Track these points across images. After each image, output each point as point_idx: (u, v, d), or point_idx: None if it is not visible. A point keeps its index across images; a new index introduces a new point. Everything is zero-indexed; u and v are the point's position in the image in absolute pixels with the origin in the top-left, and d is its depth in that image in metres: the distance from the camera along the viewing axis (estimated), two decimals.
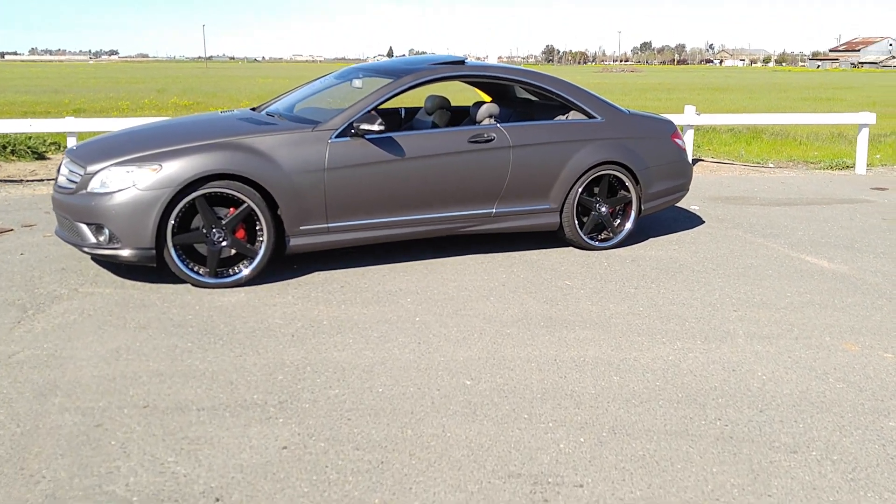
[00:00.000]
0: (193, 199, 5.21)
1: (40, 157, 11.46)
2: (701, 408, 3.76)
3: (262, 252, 5.42)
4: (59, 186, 5.55)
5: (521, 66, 7.85)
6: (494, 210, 6.17)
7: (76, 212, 5.27)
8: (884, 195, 9.73)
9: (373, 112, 5.73)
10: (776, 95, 35.85)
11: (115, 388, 3.84)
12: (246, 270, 5.41)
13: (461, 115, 7.22)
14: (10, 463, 3.16)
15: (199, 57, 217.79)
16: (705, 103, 26.72)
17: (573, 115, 6.64)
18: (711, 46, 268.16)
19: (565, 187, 6.33)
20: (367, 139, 5.67)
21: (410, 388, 3.90)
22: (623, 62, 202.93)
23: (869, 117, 12.09)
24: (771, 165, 12.95)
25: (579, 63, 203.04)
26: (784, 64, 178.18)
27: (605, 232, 6.67)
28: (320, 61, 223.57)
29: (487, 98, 8.59)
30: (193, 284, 5.36)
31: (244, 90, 35.63)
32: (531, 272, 5.94)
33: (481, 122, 6.42)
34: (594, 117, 6.57)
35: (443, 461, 3.23)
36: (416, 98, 7.48)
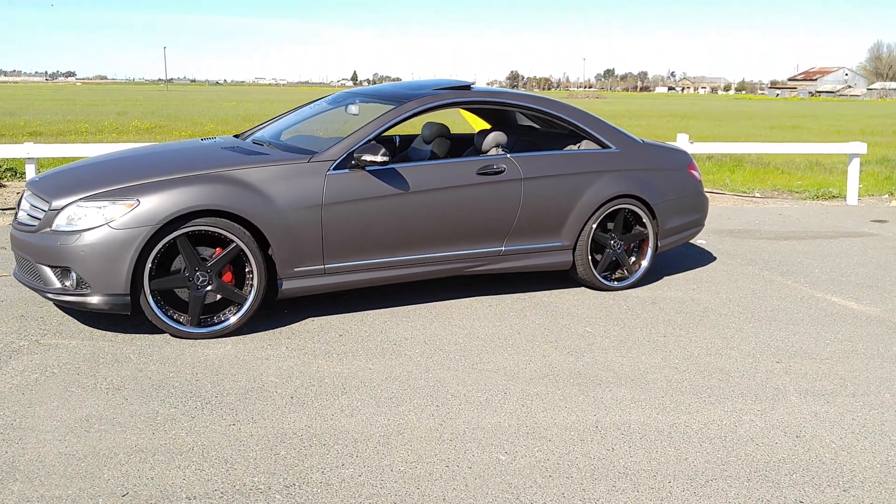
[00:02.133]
0: (174, 239, 4.61)
1: None
2: (776, 487, 3.24)
3: (251, 297, 4.82)
4: (19, 223, 4.90)
5: (530, 92, 7.35)
6: (503, 248, 5.64)
7: (38, 252, 4.63)
8: (887, 227, 9.40)
9: (375, 142, 5.19)
10: (743, 123, 36.03)
11: (87, 471, 3.21)
12: (233, 318, 4.80)
13: (460, 144, 6.70)
14: None
15: (160, 79, 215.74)
16: (674, 131, 26.59)
17: (585, 145, 6.16)
18: (673, 74, 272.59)
19: (579, 223, 5.82)
20: (368, 171, 5.12)
21: (437, 466, 3.33)
22: (587, 88, 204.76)
23: (860, 147, 11.86)
24: (758, 195, 12.64)
25: (544, 89, 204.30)
26: (744, 92, 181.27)
27: (619, 271, 6.17)
28: (283, 84, 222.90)
29: (478, 125, 8.10)
30: (173, 335, 4.74)
31: (207, 113, 34.90)
32: (546, 317, 5.41)
33: (487, 151, 5.91)
34: (608, 147, 6.09)
35: None
36: (411, 125, 6.95)
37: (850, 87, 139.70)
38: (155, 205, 4.54)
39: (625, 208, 6.02)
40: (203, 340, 4.73)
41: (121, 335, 4.77)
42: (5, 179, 11.09)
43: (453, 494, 3.11)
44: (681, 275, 6.70)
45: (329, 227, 4.98)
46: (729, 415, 3.93)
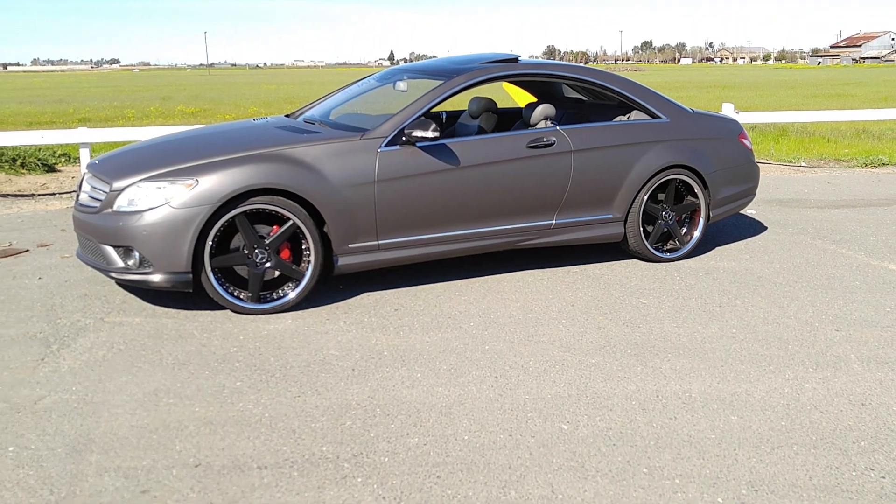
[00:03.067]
0: (233, 217, 4.69)
1: (51, 169, 10.93)
2: (844, 454, 3.22)
3: (308, 273, 4.89)
4: (81, 204, 5.02)
5: (578, 64, 7.30)
6: (554, 221, 5.64)
7: (101, 233, 4.74)
8: None
9: (425, 117, 5.20)
10: (784, 93, 35.31)
11: (159, 442, 3.31)
12: (292, 293, 4.88)
13: (507, 118, 6.68)
14: None
15: (201, 64, 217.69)
16: (716, 101, 26.16)
17: (635, 116, 6.11)
18: (711, 45, 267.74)
19: (630, 194, 5.79)
20: (419, 147, 5.14)
21: (500, 436, 3.37)
22: (625, 61, 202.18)
23: None
24: (804, 164, 12.41)
25: (580, 62, 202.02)
26: (784, 61, 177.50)
27: (670, 242, 6.13)
28: (322, 66, 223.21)
29: (522, 99, 8.07)
30: (234, 311, 4.84)
31: (249, 96, 35.16)
32: (599, 289, 5.41)
33: (536, 124, 5.89)
34: (658, 117, 6.04)
35: None
36: (457, 100, 6.95)
37: None
38: (214, 184, 4.61)
39: (676, 179, 5.97)
40: (263, 316, 4.81)
41: (182, 312, 4.87)
42: (59, 164, 11.32)
43: (518, 462, 3.15)
44: (732, 245, 6.63)
45: (382, 204, 5.02)
46: (790, 383, 3.90)
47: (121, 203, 4.70)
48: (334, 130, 5.26)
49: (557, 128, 5.65)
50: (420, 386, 3.86)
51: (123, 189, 4.71)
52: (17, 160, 10.69)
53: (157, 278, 4.64)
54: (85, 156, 9.25)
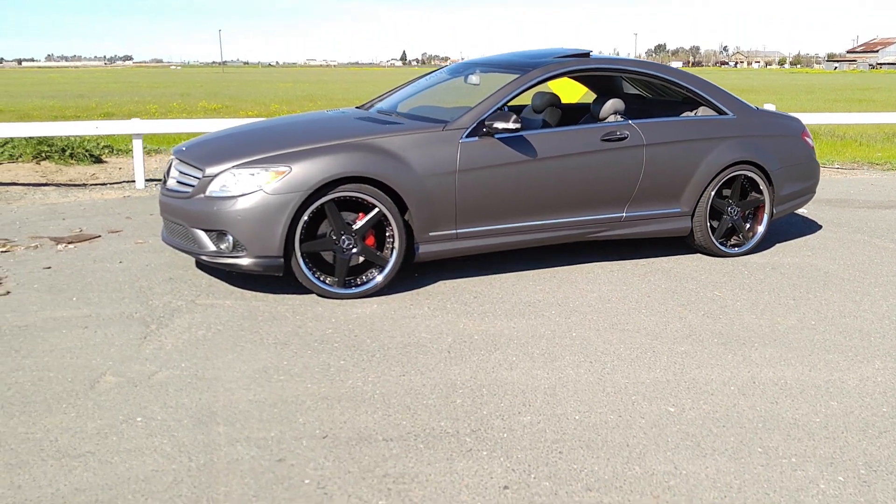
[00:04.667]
0: (323, 204, 4.80)
1: (97, 160, 11.09)
2: None
3: (393, 259, 5.00)
4: (169, 189, 5.13)
5: (647, 60, 7.39)
6: (625, 214, 5.73)
7: (193, 217, 4.86)
8: None
9: (506, 109, 5.31)
10: (804, 97, 35.19)
11: (281, 415, 3.42)
12: (379, 278, 4.99)
13: (569, 113, 6.77)
14: None
15: (214, 62, 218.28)
16: None
17: (702, 111, 6.20)
18: (725, 48, 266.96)
19: (698, 189, 5.88)
20: (498, 139, 5.25)
21: (610, 416, 3.47)
22: None
23: None
24: (837, 166, 12.47)
25: None
26: (799, 66, 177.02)
27: (734, 237, 6.22)
28: (334, 66, 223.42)
29: (568, 96, 8.15)
30: (320, 295, 4.95)
31: (268, 94, 35.33)
32: (671, 282, 5.50)
33: (605, 119, 5.99)
34: (725, 113, 6.13)
35: None
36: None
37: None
38: (306, 171, 4.73)
39: (742, 175, 6.06)
40: (348, 300, 4.92)
41: (270, 295, 4.98)
42: (104, 155, 11.47)
43: (634, 441, 3.24)
44: (792, 242, 6.71)
45: (462, 193, 5.13)
46: (881, 372, 3.99)
47: (213, 188, 4.81)
48: (415, 121, 5.37)
49: (630, 122, 5.74)
50: (518, 369, 3.96)
51: (217, 175, 4.82)
52: (66, 150, 10.85)
53: (249, 262, 4.76)
54: (138, 147, 9.37)
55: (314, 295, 4.98)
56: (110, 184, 9.60)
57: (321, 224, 4.91)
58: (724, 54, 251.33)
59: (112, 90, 38.55)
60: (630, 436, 3.28)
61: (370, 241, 5.01)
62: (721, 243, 6.13)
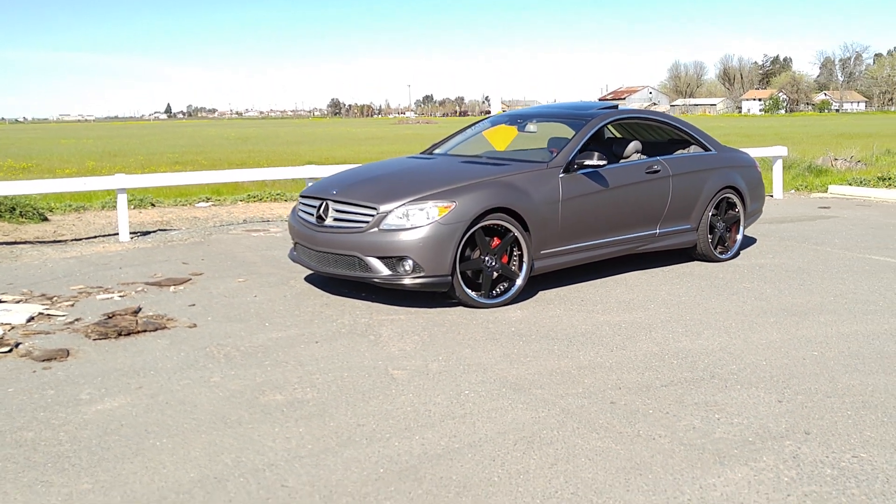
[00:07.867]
0: (474, 231, 5.88)
1: (44, 218, 11.06)
2: None
3: (523, 273, 6.16)
4: (328, 227, 6.00)
5: (655, 111, 9.02)
6: (658, 230, 7.25)
7: (368, 247, 5.76)
8: (833, 211, 11.77)
9: (591, 150, 6.67)
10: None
11: (565, 381, 4.48)
12: (513, 289, 6.11)
13: None
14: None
15: None
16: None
17: (693, 149, 7.89)
18: (487, 98, 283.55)
19: (702, 209, 7.53)
20: (581, 173, 6.58)
21: (784, 360, 4.86)
22: (408, 113, 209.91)
23: (782, 150, 14.35)
24: None
25: (366, 116, 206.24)
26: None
27: (720, 246, 7.92)
28: (91, 120, 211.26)
29: (499, 144, 9.65)
30: (470, 305, 5.99)
31: (57, 152, 33.01)
32: (704, 280, 7.04)
33: (629, 157, 7.50)
34: (710, 150, 7.86)
35: None
36: (525, 138, 8.39)
37: (654, 104, 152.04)
38: (467, 205, 5.82)
39: (725, 196, 7.80)
40: (494, 308, 5.99)
41: (420, 310, 5.94)
42: (49, 213, 11.40)
43: (803, 368, 4.65)
44: (751, 249, 8.53)
45: (564, 217, 6.40)
46: None
47: (389, 222, 5.76)
48: (523, 162, 6.60)
49: (659, 158, 7.30)
50: (701, 339, 5.24)
51: (391, 210, 5.78)
52: (15, 209, 10.75)
53: (426, 281, 5.73)
54: (122, 201, 9.63)
55: (448, 307, 6.00)
56: (86, 238, 9.75)
57: (467, 248, 5.98)
58: (486, 104, 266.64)
59: None
60: (801, 365, 4.69)
61: (504, 259, 6.13)
62: (715, 251, 7.81)
